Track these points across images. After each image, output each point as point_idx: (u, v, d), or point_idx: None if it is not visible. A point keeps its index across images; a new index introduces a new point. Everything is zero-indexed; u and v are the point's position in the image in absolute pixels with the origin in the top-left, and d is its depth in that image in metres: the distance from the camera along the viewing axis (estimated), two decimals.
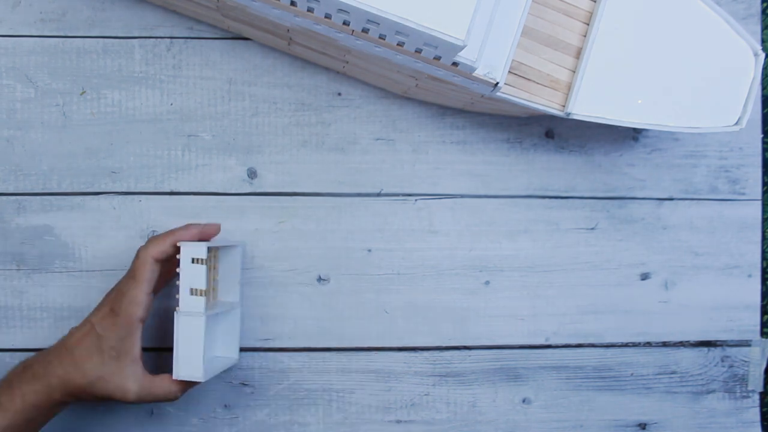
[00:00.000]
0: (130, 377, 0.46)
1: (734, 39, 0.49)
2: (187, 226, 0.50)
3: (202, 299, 0.47)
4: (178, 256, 0.47)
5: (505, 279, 0.58)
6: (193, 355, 0.47)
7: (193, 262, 0.47)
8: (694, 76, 0.49)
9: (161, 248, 0.47)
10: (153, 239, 0.48)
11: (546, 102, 0.49)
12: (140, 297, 0.46)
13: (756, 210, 0.59)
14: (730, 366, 0.59)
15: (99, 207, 0.55)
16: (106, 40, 0.55)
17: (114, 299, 0.47)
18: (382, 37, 0.44)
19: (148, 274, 0.47)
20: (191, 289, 0.47)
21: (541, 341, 0.58)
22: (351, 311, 0.57)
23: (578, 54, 0.48)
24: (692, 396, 0.59)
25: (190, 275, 0.47)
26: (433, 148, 0.57)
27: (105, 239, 0.55)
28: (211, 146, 0.56)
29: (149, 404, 0.55)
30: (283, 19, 0.46)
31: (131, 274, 0.47)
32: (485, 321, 0.58)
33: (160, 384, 0.47)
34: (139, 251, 0.48)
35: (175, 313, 0.47)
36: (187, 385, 0.49)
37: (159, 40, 0.55)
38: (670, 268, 0.59)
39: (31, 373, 0.46)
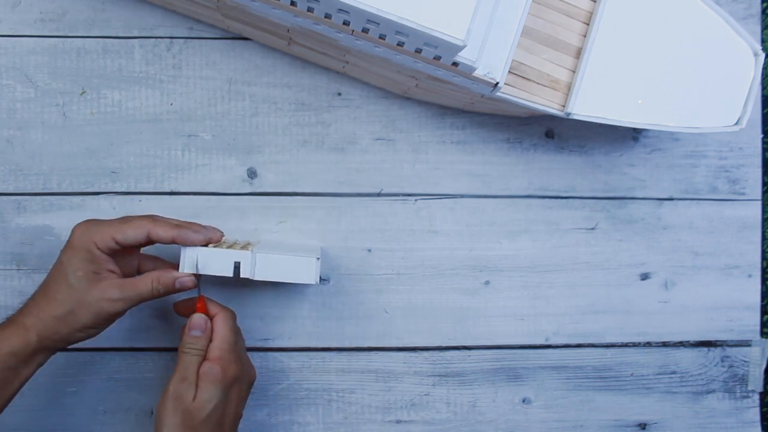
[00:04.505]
0: (107, 288, 0.45)
1: (734, 39, 0.49)
2: (193, 227, 0.48)
3: None
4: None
5: (505, 279, 0.58)
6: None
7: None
8: (694, 76, 0.49)
9: (160, 234, 0.46)
10: (157, 221, 0.47)
11: (546, 102, 0.49)
12: (92, 227, 0.46)
13: (756, 210, 0.59)
14: (730, 366, 0.59)
15: (99, 207, 0.55)
16: (106, 40, 0.55)
17: (80, 227, 0.47)
18: (382, 37, 0.44)
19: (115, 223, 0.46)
20: None
21: (541, 341, 0.58)
22: (351, 311, 0.57)
23: (578, 54, 0.48)
24: (692, 396, 0.59)
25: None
26: (433, 148, 0.57)
27: None
28: (211, 146, 0.56)
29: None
30: (283, 19, 0.46)
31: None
32: (485, 321, 0.58)
33: (144, 281, 0.46)
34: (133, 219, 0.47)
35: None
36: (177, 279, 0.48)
37: (159, 40, 0.55)
38: (670, 268, 0.59)
39: (7, 319, 0.46)
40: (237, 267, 0.47)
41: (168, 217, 0.50)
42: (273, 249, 0.49)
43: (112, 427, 0.55)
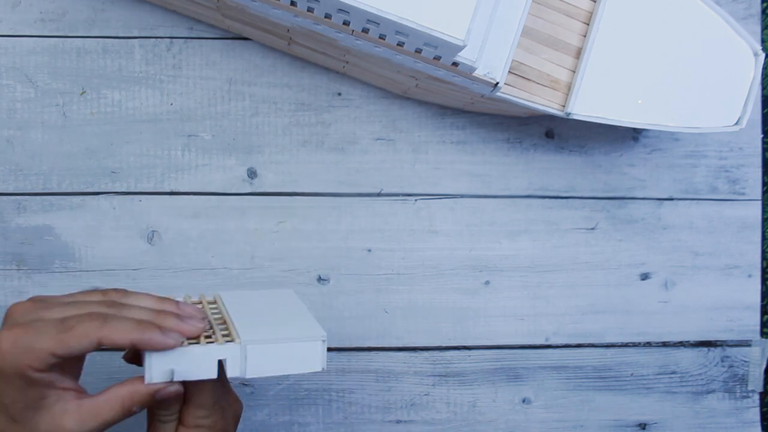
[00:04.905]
0: (60, 417, 0.34)
1: (734, 39, 0.49)
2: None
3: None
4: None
5: (505, 279, 0.58)
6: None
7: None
8: (694, 76, 0.49)
9: (115, 340, 0.34)
10: (109, 322, 0.34)
11: (546, 102, 0.49)
12: (22, 343, 0.33)
13: (756, 210, 0.59)
14: (730, 366, 0.59)
15: (99, 207, 0.55)
16: (106, 40, 0.55)
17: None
18: (382, 37, 0.44)
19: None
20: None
21: (541, 341, 0.58)
22: (351, 311, 0.57)
23: (578, 54, 0.48)
24: (692, 396, 0.59)
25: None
26: (433, 148, 0.57)
27: (105, 239, 0.55)
28: (211, 146, 0.56)
29: None
30: (283, 19, 0.46)
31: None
32: (485, 321, 0.58)
33: (109, 403, 0.35)
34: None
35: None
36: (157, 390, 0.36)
37: (159, 40, 0.55)
38: (670, 268, 0.59)
39: None
40: (221, 366, 0.36)
41: (136, 292, 0.38)
42: (258, 322, 0.39)
43: (112, 426, 0.55)
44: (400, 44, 0.44)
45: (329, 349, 0.56)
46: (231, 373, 0.36)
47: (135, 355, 0.40)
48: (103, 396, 0.35)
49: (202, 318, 0.38)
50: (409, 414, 0.57)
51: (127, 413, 0.36)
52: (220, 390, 0.39)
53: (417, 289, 0.57)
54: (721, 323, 0.59)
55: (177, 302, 0.38)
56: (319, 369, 0.38)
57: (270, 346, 0.37)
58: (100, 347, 0.34)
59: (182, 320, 0.36)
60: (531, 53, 0.48)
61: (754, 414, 0.60)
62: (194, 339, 0.36)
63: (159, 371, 0.35)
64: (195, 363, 0.35)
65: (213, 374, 0.36)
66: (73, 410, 0.34)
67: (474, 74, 0.46)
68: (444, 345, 0.57)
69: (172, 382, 0.35)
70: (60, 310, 0.36)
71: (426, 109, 0.57)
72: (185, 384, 0.36)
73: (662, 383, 0.59)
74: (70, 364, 0.36)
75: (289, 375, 0.56)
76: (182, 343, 0.35)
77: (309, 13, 0.44)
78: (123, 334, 0.34)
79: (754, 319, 0.59)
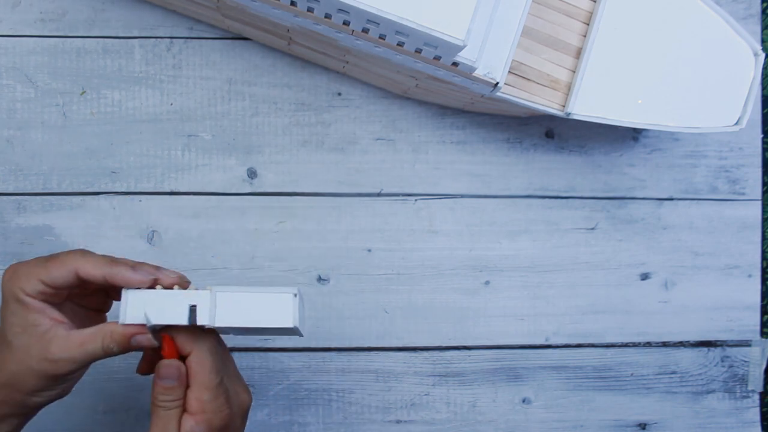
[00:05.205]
0: (48, 343, 0.37)
1: (734, 39, 0.49)
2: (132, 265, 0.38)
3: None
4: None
5: (505, 279, 0.58)
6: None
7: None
8: (694, 76, 0.49)
9: (89, 270, 0.37)
10: (87, 255, 0.38)
11: (546, 102, 0.49)
12: (17, 270, 0.37)
13: (756, 210, 0.59)
14: (730, 366, 0.59)
15: (99, 207, 0.55)
16: (106, 40, 0.55)
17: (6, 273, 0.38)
18: (382, 37, 0.44)
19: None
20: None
21: (541, 341, 0.58)
22: (351, 311, 0.57)
23: (578, 54, 0.48)
24: (692, 396, 0.59)
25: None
26: (433, 148, 0.57)
27: (105, 239, 0.55)
28: (211, 146, 0.56)
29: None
30: (283, 19, 0.46)
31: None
32: (485, 321, 0.58)
33: (95, 336, 0.37)
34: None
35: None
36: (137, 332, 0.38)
37: (159, 40, 0.55)
38: (670, 268, 0.59)
39: None
40: (193, 312, 0.37)
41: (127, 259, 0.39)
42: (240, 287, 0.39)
43: (112, 427, 0.55)
44: (400, 44, 0.44)
45: (330, 349, 0.57)
46: (201, 320, 0.37)
47: (149, 367, 0.41)
48: (88, 330, 0.37)
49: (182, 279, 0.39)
50: (409, 414, 0.57)
51: (108, 351, 0.38)
52: (231, 367, 0.41)
53: (417, 289, 0.57)
54: (721, 323, 0.59)
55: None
56: (291, 325, 0.38)
57: (240, 294, 0.38)
58: (80, 282, 0.37)
59: (158, 269, 0.38)
60: (531, 53, 0.48)
61: (754, 414, 0.60)
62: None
63: (133, 312, 0.37)
64: (166, 307, 0.37)
65: (183, 320, 0.37)
66: (62, 338, 0.37)
67: (474, 74, 0.46)
68: (444, 345, 0.57)
69: (145, 329, 0.37)
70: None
71: (426, 109, 0.57)
72: (187, 364, 0.38)
73: (662, 383, 0.59)
74: (62, 302, 0.39)
75: (289, 378, 0.56)
76: (155, 286, 0.38)
77: (309, 13, 0.44)
78: (97, 264, 0.37)
79: (754, 319, 0.59)
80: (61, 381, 0.38)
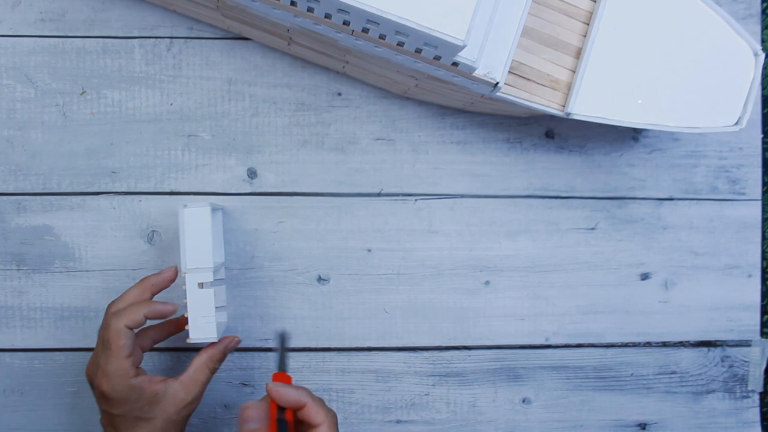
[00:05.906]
0: (174, 395, 0.46)
1: (734, 39, 0.49)
2: (163, 303, 0.47)
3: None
4: (183, 287, 0.47)
5: (505, 279, 0.58)
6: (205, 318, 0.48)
7: (199, 287, 0.47)
8: (694, 76, 0.49)
9: (135, 318, 0.45)
10: (125, 310, 0.46)
11: (546, 102, 0.49)
12: (120, 366, 0.45)
13: (756, 210, 0.59)
14: (730, 366, 0.59)
15: (99, 207, 0.55)
16: (106, 40, 0.55)
17: (97, 379, 0.45)
18: (382, 37, 0.44)
19: (124, 340, 0.45)
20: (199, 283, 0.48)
21: (541, 341, 0.58)
22: (351, 311, 0.57)
23: (578, 54, 0.48)
24: (692, 396, 0.59)
25: (198, 300, 0.47)
26: (433, 148, 0.57)
27: (105, 239, 0.55)
28: (211, 146, 0.56)
29: None
30: (283, 19, 0.46)
31: (106, 345, 0.45)
32: (485, 321, 0.58)
33: (201, 369, 0.47)
34: (110, 320, 0.45)
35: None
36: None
37: (159, 40, 0.55)
38: (670, 268, 0.59)
39: None
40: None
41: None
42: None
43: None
44: (400, 44, 0.44)
45: (330, 349, 0.57)
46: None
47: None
48: (192, 368, 0.47)
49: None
50: (409, 414, 0.57)
51: (213, 372, 0.48)
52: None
53: (417, 289, 0.57)
54: (721, 323, 0.59)
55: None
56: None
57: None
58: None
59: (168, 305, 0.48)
60: (531, 53, 0.48)
61: (754, 414, 0.60)
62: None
63: (203, 328, 0.47)
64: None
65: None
66: (179, 388, 0.46)
67: (474, 74, 0.46)
68: (444, 345, 0.57)
69: (233, 337, 0.50)
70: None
71: (426, 109, 0.57)
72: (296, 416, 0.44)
73: (662, 383, 0.59)
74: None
75: None
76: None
77: (309, 13, 0.44)
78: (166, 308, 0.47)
79: (754, 319, 0.59)
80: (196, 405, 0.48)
